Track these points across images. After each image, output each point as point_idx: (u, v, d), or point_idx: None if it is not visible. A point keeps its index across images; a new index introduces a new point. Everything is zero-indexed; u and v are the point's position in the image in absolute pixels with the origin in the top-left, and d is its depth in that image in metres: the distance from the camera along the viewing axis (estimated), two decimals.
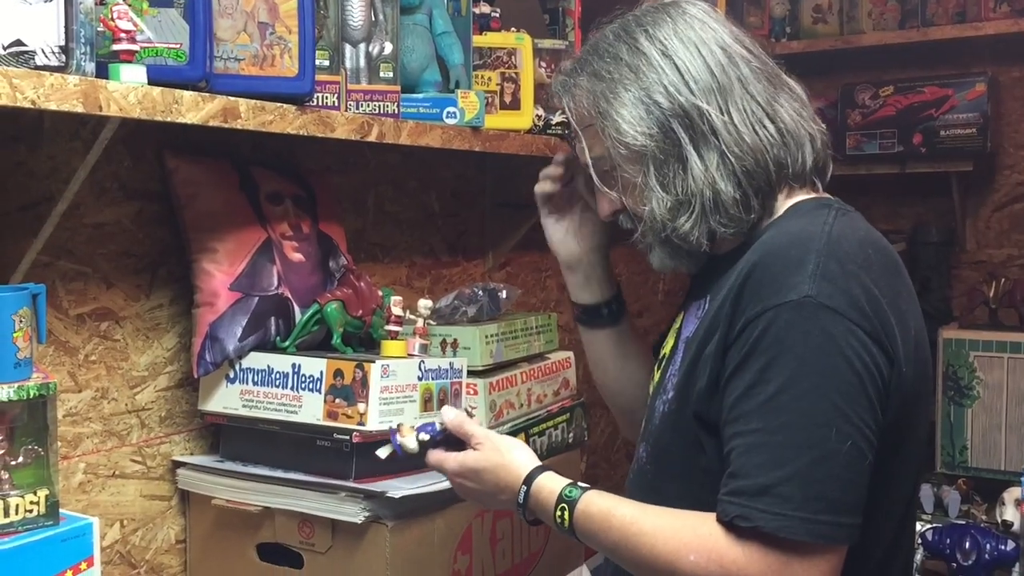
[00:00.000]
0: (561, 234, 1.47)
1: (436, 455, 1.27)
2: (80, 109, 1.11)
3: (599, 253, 1.45)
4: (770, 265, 1.08)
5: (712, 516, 1.06)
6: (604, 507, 1.12)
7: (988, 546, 1.83)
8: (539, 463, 1.21)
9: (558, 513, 1.14)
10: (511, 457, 1.21)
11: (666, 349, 1.31)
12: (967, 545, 1.86)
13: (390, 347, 1.54)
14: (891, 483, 1.12)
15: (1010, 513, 1.90)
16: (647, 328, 3.03)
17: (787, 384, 1.02)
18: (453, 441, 1.27)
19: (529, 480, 1.18)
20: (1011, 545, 1.85)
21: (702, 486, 1.12)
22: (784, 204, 1.20)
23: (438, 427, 1.27)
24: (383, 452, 1.30)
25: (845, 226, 1.14)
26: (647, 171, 1.17)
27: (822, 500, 1.01)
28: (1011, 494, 1.93)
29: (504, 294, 1.83)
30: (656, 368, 1.32)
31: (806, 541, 1.00)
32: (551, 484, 1.17)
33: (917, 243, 2.92)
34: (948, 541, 1.88)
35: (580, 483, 1.17)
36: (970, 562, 1.85)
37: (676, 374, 1.20)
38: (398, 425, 1.32)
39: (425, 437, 1.27)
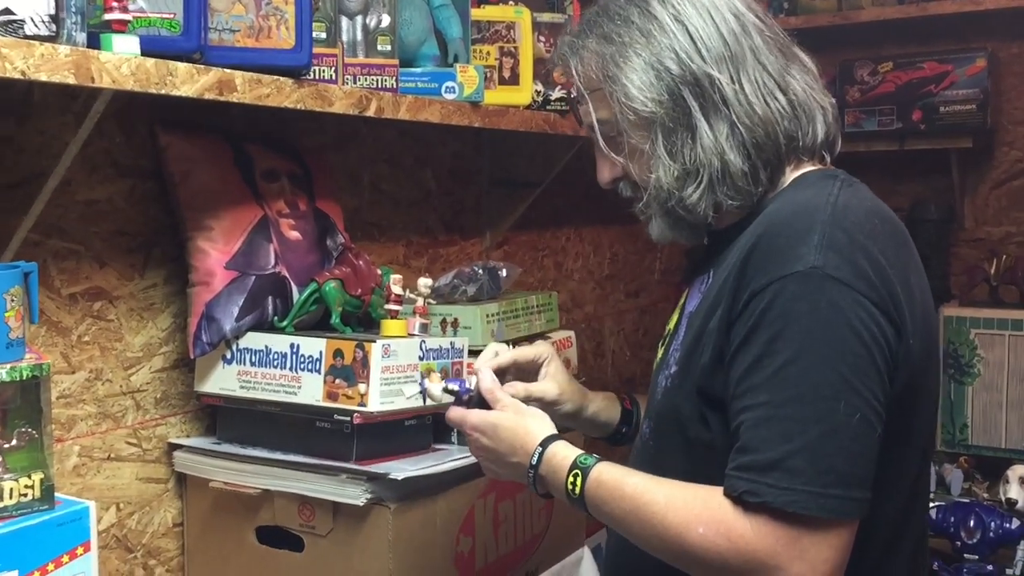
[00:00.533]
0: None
1: (458, 410, 1.27)
2: (72, 80, 1.08)
3: (576, 403, 1.40)
4: (775, 237, 1.07)
5: (719, 492, 1.04)
6: (617, 476, 1.11)
7: (993, 524, 1.82)
8: (557, 432, 1.20)
9: (570, 479, 1.13)
10: (532, 421, 1.21)
11: (670, 325, 1.30)
12: (971, 523, 1.84)
13: (390, 326, 1.51)
14: (896, 459, 1.10)
15: (1015, 491, 1.89)
16: (644, 307, 3.01)
17: (794, 356, 1.01)
18: (478, 405, 1.27)
19: (545, 443, 1.17)
20: (1016, 523, 1.84)
21: (706, 462, 1.11)
22: (790, 176, 1.18)
23: (467, 385, 1.28)
24: (409, 391, 1.33)
25: (851, 196, 1.12)
26: (655, 138, 1.16)
27: (831, 473, 0.99)
28: (1015, 472, 1.92)
29: (504, 273, 1.80)
30: (660, 344, 1.31)
31: (816, 516, 0.99)
32: (566, 450, 1.16)
33: (915, 221, 2.89)
34: (952, 519, 1.87)
35: (594, 454, 1.15)
36: (974, 540, 1.83)
37: (679, 348, 1.18)
38: (428, 371, 1.33)
39: (454, 387, 1.28)
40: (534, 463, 1.17)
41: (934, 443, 1.20)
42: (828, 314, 1.01)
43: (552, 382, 1.37)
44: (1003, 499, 1.90)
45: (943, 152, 2.92)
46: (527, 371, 1.38)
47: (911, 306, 1.07)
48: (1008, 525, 1.81)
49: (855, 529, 1.02)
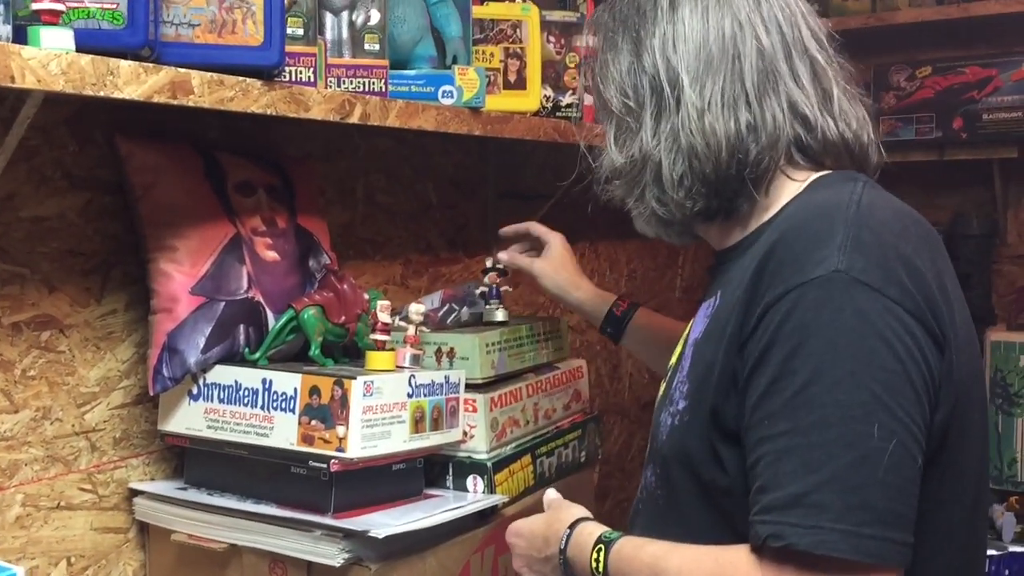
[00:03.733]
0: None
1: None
2: None
3: (559, 287, 1.55)
4: (792, 241, 0.94)
5: (742, 547, 0.91)
6: (636, 544, 1.01)
7: None
8: (591, 516, 1.12)
9: (594, 555, 1.03)
10: (564, 512, 1.13)
11: (673, 359, 1.14)
12: None
13: (376, 359, 1.34)
14: (942, 504, 0.94)
15: None
16: None
17: (817, 374, 0.87)
18: None
19: (574, 525, 1.09)
20: None
21: (729, 513, 0.97)
22: (793, 184, 1.05)
23: None
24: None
25: (876, 196, 1.00)
26: (608, 126, 1.12)
27: (866, 510, 0.85)
28: None
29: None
30: (663, 381, 1.16)
31: (848, 559, 0.84)
32: (592, 528, 1.08)
33: (956, 236, 2.70)
34: (1007, 573, 1.67)
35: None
36: None
37: (685, 380, 1.03)
38: None
39: None
40: (563, 547, 1.09)
41: (986, 487, 1.04)
42: (854, 323, 0.87)
43: (543, 259, 1.56)
44: None
45: (985, 162, 2.74)
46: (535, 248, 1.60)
47: (952, 319, 0.93)
48: None
49: None
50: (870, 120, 1.09)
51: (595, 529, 1.07)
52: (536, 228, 1.60)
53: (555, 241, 1.57)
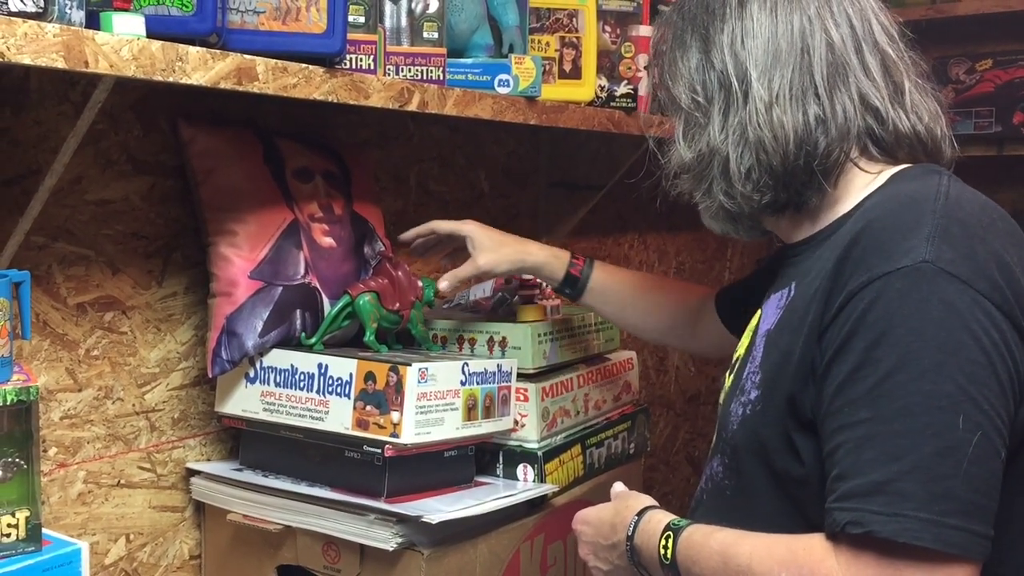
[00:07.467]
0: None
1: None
2: (61, 64, 0.93)
3: (513, 264, 1.46)
4: (878, 231, 0.94)
5: (816, 535, 0.91)
6: (705, 532, 1.01)
7: None
8: (658, 505, 1.13)
9: (663, 543, 1.04)
10: (633, 501, 1.14)
11: (740, 351, 1.14)
12: None
13: (528, 312, 1.50)
14: (1022, 496, 0.93)
15: None
16: None
17: (902, 363, 0.86)
18: None
19: (642, 513, 1.10)
20: None
21: (800, 502, 0.97)
22: (880, 174, 1.04)
23: None
24: None
25: (963, 189, 0.99)
26: (678, 119, 1.12)
27: (950, 499, 0.84)
28: None
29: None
30: (728, 373, 1.15)
31: (929, 548, 0.83)
32: (660, 515, 1.09)
33: None
34: None
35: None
36: None
37: (758, 371, 1.03)
38: None
39: None
40: (630, 534, 1.10)
41: None
42: (941, 315, 0.87)
43: (479, 253, 1.44)
44: None
45: None
46: (457, 248, 1.50)
47: None
48: None
49: (975, 575, 0.85)
50: (943, 114, 1.08)
51: (663, 517, 1.08)
52: (441, 225, 1.49)
53: (471, 228, 1.47)
